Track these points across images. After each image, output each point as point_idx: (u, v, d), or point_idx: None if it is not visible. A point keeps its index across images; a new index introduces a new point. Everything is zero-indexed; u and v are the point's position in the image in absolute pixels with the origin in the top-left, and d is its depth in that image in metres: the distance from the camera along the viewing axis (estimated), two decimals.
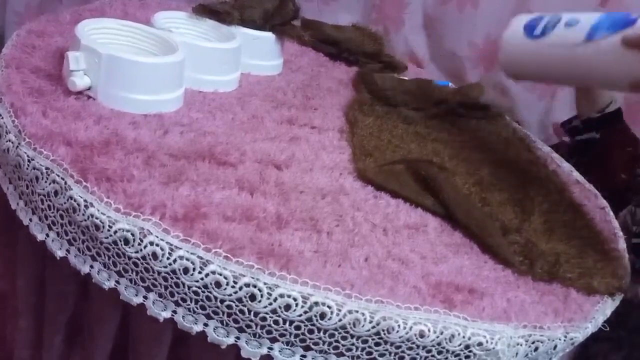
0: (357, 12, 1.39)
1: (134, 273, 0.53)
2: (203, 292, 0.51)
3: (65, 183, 0.54)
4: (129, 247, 0.52)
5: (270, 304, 0.51)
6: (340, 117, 0.86)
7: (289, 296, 0.51)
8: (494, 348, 0.55)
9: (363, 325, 0.51)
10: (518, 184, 0.79)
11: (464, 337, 0.54)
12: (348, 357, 0.53)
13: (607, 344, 0.73)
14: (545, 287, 0.63)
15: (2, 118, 0.61)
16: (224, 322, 0.52)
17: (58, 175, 0.55)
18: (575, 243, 0.71)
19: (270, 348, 0.53)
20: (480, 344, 0.54)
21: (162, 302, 0.53)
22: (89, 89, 0.67)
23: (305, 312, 0.51)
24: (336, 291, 0.52)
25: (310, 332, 0.52)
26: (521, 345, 0.57)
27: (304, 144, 0.74)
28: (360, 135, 0.80)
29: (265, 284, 0.51)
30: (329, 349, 0.53)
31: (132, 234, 0.51)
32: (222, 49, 0.81)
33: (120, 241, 0.52)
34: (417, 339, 0.53)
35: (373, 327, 0.52)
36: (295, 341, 0.52)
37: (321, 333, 0.52)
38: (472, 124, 0.96)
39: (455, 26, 1.32)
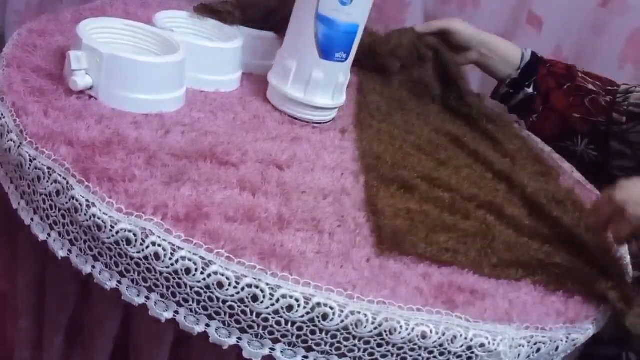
0: None
1: (136, 273, 0.53)
2: (205, 292, 0.51)
3: (67, 183, 0.54)
4: (131, 248, 0.52)
5: (273, 304, 0.50)
6: (342, 117, 0.85)
7: (291, 297, 0.50)
8: (496, 349, 0.55)
9: (365, 327, 0.51)
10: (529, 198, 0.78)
11: (466, 338, 0.54)
12: (350, 358, 0.53)
13: None
14: (548, 288, 0.63)
15: (4, 117, 0.61)
16: (226, 322, 0.52)
17: (60, 175, 0.55)
18: (580, 252, 0.70)
19: (272, 349, 0.53)
20: (482, 345, 0.54)
21: (164, 302, 0.53)
22: (90, 88, 0.67)
23: (308, 313, 0.51)
24: (338, 292, 0.52)
25: (313, 333, 0.52)
26: (523, 346, 0.56)
27: (306, 144, 0.74)
28: (370, 140, 0.80)
29: (267, 284, 0.50)
30: (331, 350, 0.53)
31: (134, 234, 0.51)
32: (223, 48, 0.80)
33: (122, 241, 0.52)
34: (419, 340, 0.53)
35: (375, 328, 0.52)
36: (298, 342, 0.52)
37: (323, 334, 0.52)
38: (489, 129, 0.95)
39: None
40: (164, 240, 0.51)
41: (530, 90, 1.00)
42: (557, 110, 0.98)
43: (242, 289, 0.50)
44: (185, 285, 0.51)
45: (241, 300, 0.51)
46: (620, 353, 0.75)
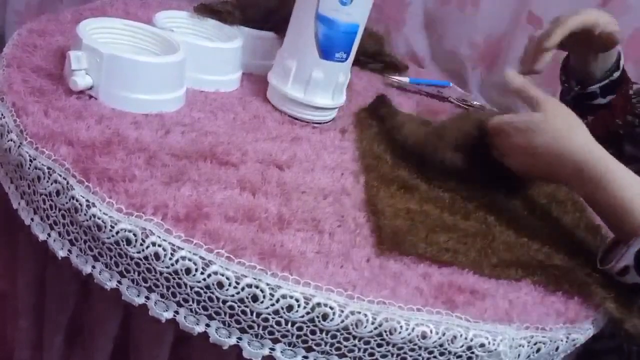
0: None
1: (136, 273, 0.53)
2: (205, 292, 0.51)
3: (67, 183, 0.54)
4: (131, 248, 0.52)
5: (273, 304, 0.50)
6: (342, 117, 0.85)
7: (291, 297, 0.50)
8: (496, 349, 0.55)
9: (365, 327, 0.51)
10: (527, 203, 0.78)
11: (466, 338, 0.54)
12: (350, 358, 0.53)
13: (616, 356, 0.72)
14: (547, 289, 0.63)
15: (4, 117, 0.61)
16: (226, 322, 0.52)
17: (60, 175, 0.55)
18: (579, 253, 0.70)
19: (272, 349, 0.53)
20: (482, 345, 0.54)
21: (164, 302, 0.53)
22: (90, 88, 0.67)
23: (308, 313, 0.51)
24: (338, 292, 0.52)
25: (313, 333, 0.52)
26: (523, 346, 0.56)
27: (306, 144, 0.74)
28: (370, 140, 0.79)
29: (267, 284, 0.50)
30: (331, 350, 0.53)
31: (134, 234, 0.51)
32: (223, 48, 0.80)
33: (122, 241, 0.52)
34: (419, 340, 0.53)
35: (375, 328, 0.52)
36: (298, 342, 0.52)
37: (323, 334, 0.52)
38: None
39: (456, 26, 1.32)
40: (164, 240, 0.51)
41: (603, 99, 0.90)
42: (612, 115, 0.90)
43: (242, 289, 0.50)
44: (185, 285, 0.51)
45: (241, 300, 0.51)
46: (621, 344, 0.74)
